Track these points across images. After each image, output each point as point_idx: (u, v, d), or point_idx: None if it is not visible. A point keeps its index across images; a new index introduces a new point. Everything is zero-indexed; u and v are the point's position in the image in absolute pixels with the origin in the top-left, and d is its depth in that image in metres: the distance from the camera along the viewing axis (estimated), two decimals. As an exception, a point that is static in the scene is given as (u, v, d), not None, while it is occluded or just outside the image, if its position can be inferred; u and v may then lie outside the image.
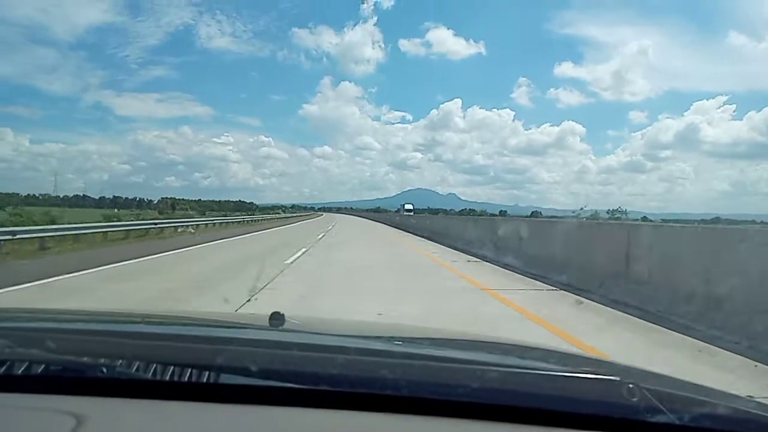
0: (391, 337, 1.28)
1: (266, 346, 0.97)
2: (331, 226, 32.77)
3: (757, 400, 0.78)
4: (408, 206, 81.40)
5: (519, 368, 0.89)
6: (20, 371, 0.74)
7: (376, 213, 67.24)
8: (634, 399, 0.70)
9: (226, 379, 0.74)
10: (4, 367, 0.74)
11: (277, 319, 1.14)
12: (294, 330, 1.21)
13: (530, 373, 0.85)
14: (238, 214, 54.44)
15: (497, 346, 1.26)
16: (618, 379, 0.77)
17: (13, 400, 0.71)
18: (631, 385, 0.72)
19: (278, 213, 72.71)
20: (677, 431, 0.68)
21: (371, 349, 1.01)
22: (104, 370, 0.74)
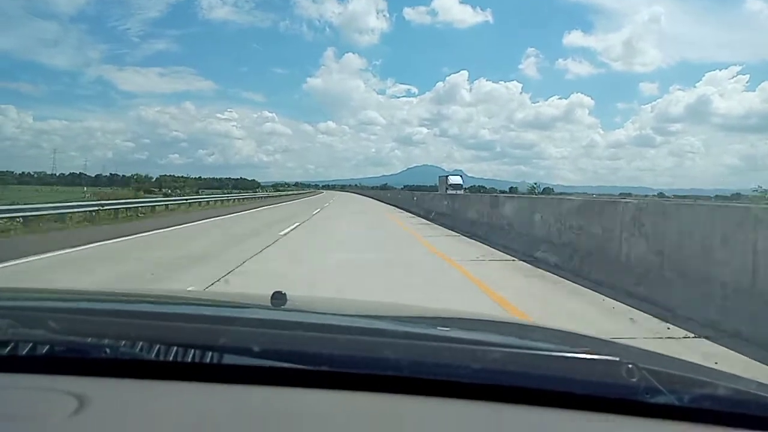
0: (394, 317, 1.31)
1: (268, 325, 0.98)
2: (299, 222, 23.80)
3: (758, 380, 0.79)
4: (455, 179, 56.72)
5: (519, 348, 0.90)
6: (24, 352, 0.75)
7: (382, 191, 62.88)
8: (634, 379, 0.71)
9: (228, 359, 0.75)
10: (8, 348, 0.75)
11: (278, 298, 1.15)
12: (296, 309, 1.23)
13: (530, 353, 0.86)
14: (234, 191, 53.81)
15: (499, 325, 1.29)
16: (617, 359, 0.77)
17: (18, 380, 0.73)
18: (630, 366, 0.72)
19: (267, 192, 72.26)
20: (677, 412, 0.69)
21: (373, 328, 1.02)
22: (108, 350, 0.75)
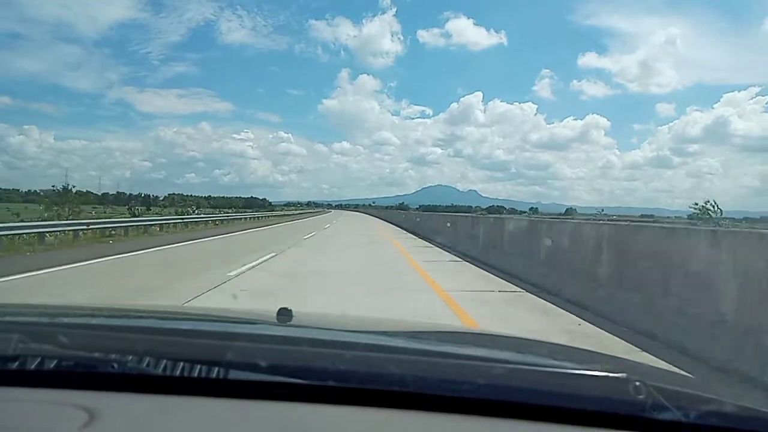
0: (398, 333, 1.35)
1: (274, 341, 0.99)
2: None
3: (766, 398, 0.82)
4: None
5: (525, 364, 0.90)
6: (33, 366, 0.77)
7: (398, 210, 58.25)
8: (641, 396, 0.71)
9: (234, 374, 0.76)
10: (17, 362, 0.77)
11: (284, 314, 1.17)
12: (301, 325, 1.24)
13: (536, 369, 0.86)
14: (232, 211, 50.67)
15: (504, 341, 1.28)
16: (625, 376, 0.78)
17: (27, 394, 0.74)
18: (637, 383, 0.73)
19: (280, 210, 75.97)
20: (684, 428, 0.69)
21: (378, 345, 1.03)
22: (115, 365, 0.76)
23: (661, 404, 0.70)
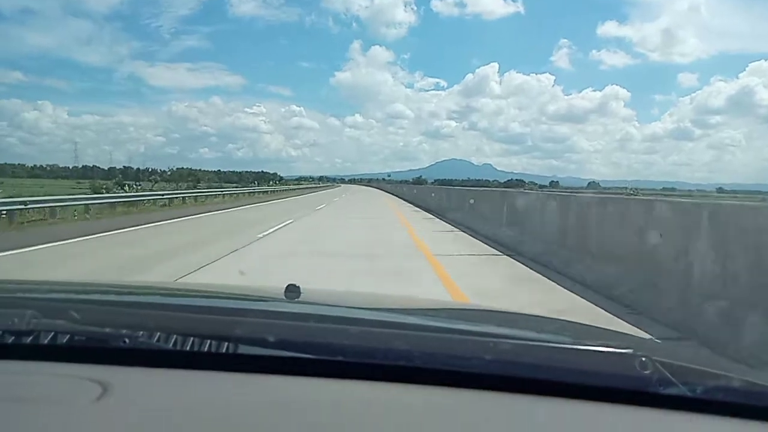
0: (406, 309, 1.36)
1: (283, 317, 1.02)
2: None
3: None
4: None
5: (532, 340, 0.91)
6: (47, 341, 0.79)
7: (416, 185, 53.63)
8: (647, 371, 0.72)
9: (244, 349, 0.78)
10: (31, 337, 0.79)
11: (292, 291, 1.19)
12: (309, 302, 1.26)
13: (543, 345, 0.88)
14: (233, 186, 50.41)
15: (511, 317, 1.33)
16: (631, 351, 0.79)
17: (42, 367, 0.77)
18: (644, 358, 0.74)
19: (289, 184, 74.17)
20: (690, 403, 0.71)
21: (386, 320, 1.05)
22: (126, 340, 0.79)
23: (667, 379, 0.71)
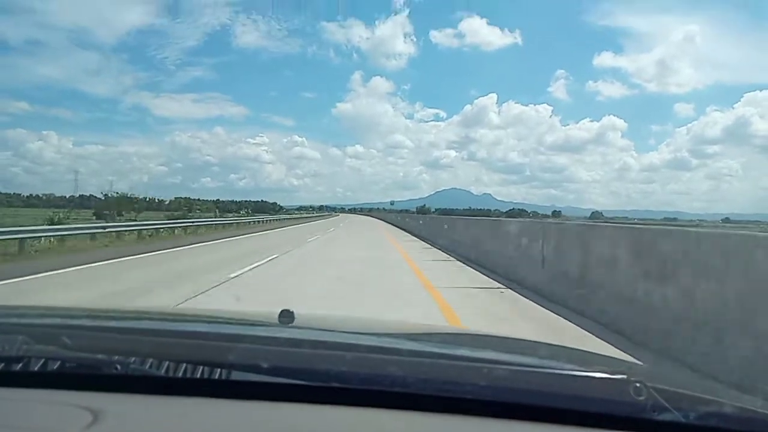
0: (400, 334, 1.36)
1: (276, 343, 1.00)
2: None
3: (764, 399, 0.82)
4: None
5: (526, 366, 0.92)
6: (37, 367, 0.78)
7: (418, 214, 50.71)
8: (641, 397, 0.73)
9: (237, 375, 0.78)
10: (21, 364, 0.78)
11: (286, 316, 1.18)
12: (303, 327, 1.25)
13: (537, 371, 0.88)
14: (231, 215, 49.03)
15: (505, 343, 1.32)
16: (625, 377, 0.80)
17: (32, 395, 0.76)
18: (638, 384, 0.74)
19: (289, 214, 74.99)
20: (684, 429, 0.71)
21: (380, 346, 1.04)
22: (118, 366, 0.78)
23: (661, 405, 0.71)
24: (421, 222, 26.41)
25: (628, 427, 0.71)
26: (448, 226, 17.52)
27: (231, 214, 50.65)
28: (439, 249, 15.78)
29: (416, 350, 1.06)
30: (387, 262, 11.73)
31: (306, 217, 71.30)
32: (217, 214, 48.49)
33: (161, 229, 21.99)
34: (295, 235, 23.94)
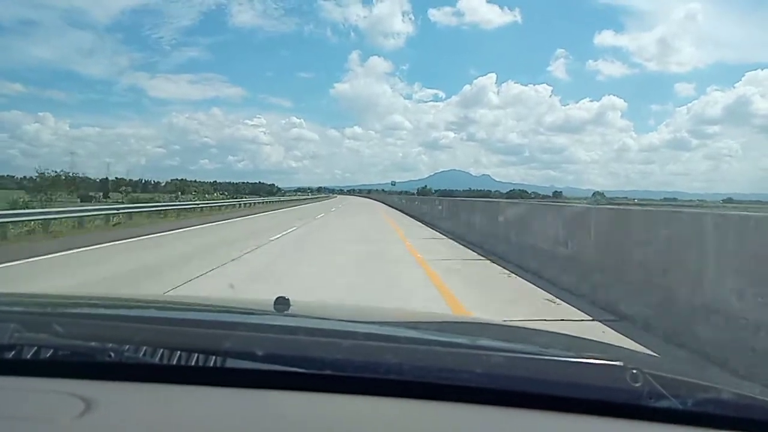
0: (397, 322, 1.37)
1: (271, 330, 1.00)
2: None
3: (762, 385, 0.82)
4: None
5: (523, 353, 0.91)
6: (29, 355, 0.78)
7: (420, 195, 46.66)
8: (638, 384, 0.73)
9: (232, 363, 0.78)
10: (13, 352, 0.78)
11: (282, 303, 1.18)
12: (299, 315, 1.25)
13: (534, 358, 0.88)
14: (217, 197, 44.81)
15: (502, 330, 1.31)
16: (622, 364, 0.79)
17: (23, 383, 0.76)
18: (634, 371, 0.74)
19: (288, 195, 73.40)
20: (680, 416, 0.71)
21: (376, 333, 1.04)
22: (112, 354, 0.77)
23: (658, 392, 0.71)
24: (440, 207, 20.00)
25: (624, 414, 0.71)
26: (470, 214, 13.52)
27: (224, 196, 48.47)
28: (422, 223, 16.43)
29: (412, 337, 1.05)
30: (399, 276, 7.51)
31: (301, 199, 69.64)
32: (177, 197, 42.60)
33: (148, 212, 20.79)
34: (272, 224, 18.64)
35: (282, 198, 61.21)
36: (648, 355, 1.07)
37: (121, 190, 42.74)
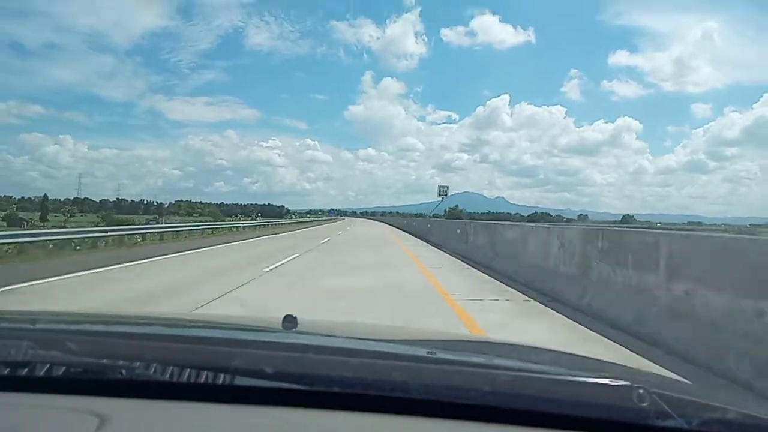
0: (403, 341, 1.38)
1: (280, 348, 1.02)
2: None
3: None
4: None
5: (529, 372, 0.93)
6: (42, 372, 0.79)
7: (449, 220, 32.32)
8: (644, 404, 0.73)
9: (241, 381, 0.79)
10: (26, 369, 0.80)
11: (290, 321, 1.21)
12: (307, 332, 1.28)
13: (540, 376, 0.89)
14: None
15: (508, 349, 1.33)
16: (628, 383, 0.80)
17: (37, 400, 0.77)
18: (641, 390, 0.75)
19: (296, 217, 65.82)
20: None
21: (383, 351, 1.07)
22: (123, 371, 0.79)
23: (664, 412, 0.72)
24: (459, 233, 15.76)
25: None
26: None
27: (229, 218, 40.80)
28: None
29: (419, 356, 1.06)
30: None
31: (303, 222, 64.72)
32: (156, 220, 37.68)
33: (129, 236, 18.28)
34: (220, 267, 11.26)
35: (278, 222, 53.47)
36: (654, 374, 0.98)
37: (63, 210, 35.69)
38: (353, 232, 37.21)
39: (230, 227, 31.62)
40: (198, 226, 28.34)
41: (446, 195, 40.66)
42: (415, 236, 28.07)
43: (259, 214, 52.41)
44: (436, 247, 18.90)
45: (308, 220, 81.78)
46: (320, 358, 0.89)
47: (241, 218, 41.12)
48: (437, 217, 39.78)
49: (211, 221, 37.75)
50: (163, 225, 26.56)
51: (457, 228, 17.74)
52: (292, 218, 74.24)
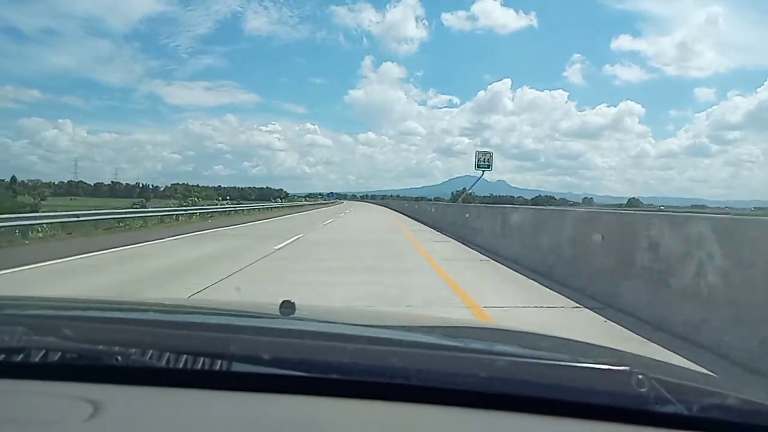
0: (402, 326, 1.37)
1: (277, 334, 1.02)
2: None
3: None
4: None
5: (528, 357, 0.93)
6: (37, 359, 0.79)
7: (454, 203, 25.07)
8: (643, 389, 0.73)
9: (238, 367, 0.79)
10: (21, 355, 0.79)
11: (287, 307, 1.19)
12: (304, 318, 1.27)
13: (539, 362, 0.89)
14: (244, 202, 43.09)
15: (507, 334, 1.34)
16: (627, 368, 0.80)
17: (32, 386, 0.78)
18: (640, 376, 0.75)
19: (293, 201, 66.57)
20: (686, 421, 0.72)
21: (381, 337, 1.04)
22: (119, 357, 0.79)
23: (664, 397, 0.72)
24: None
25: (630, 419, 0.72)
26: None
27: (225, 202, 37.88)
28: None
29: (418, 341, 1.06)
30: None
31: (301, 205, 62.68)
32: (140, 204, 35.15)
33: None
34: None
35: (276, 205, 51.15)
36: (654, 360, 0.98)
37: (34, 194, 33.18)
38: (346, 220, 27.39)
39: (170, 215, 22.95)
40: (165, 211, 22.96)
41: (489, 166, 26.11)
42: (444, 233, 17.22)
43: (228, 198, 45.93)
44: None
45: (304, 203, 76.10)
46: (318, 344, 0.90)
47: (203, 202, 31.28)
48: (470, 200, 31.86)
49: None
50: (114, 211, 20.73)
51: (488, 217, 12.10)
52: (277, 202, 66.04)
